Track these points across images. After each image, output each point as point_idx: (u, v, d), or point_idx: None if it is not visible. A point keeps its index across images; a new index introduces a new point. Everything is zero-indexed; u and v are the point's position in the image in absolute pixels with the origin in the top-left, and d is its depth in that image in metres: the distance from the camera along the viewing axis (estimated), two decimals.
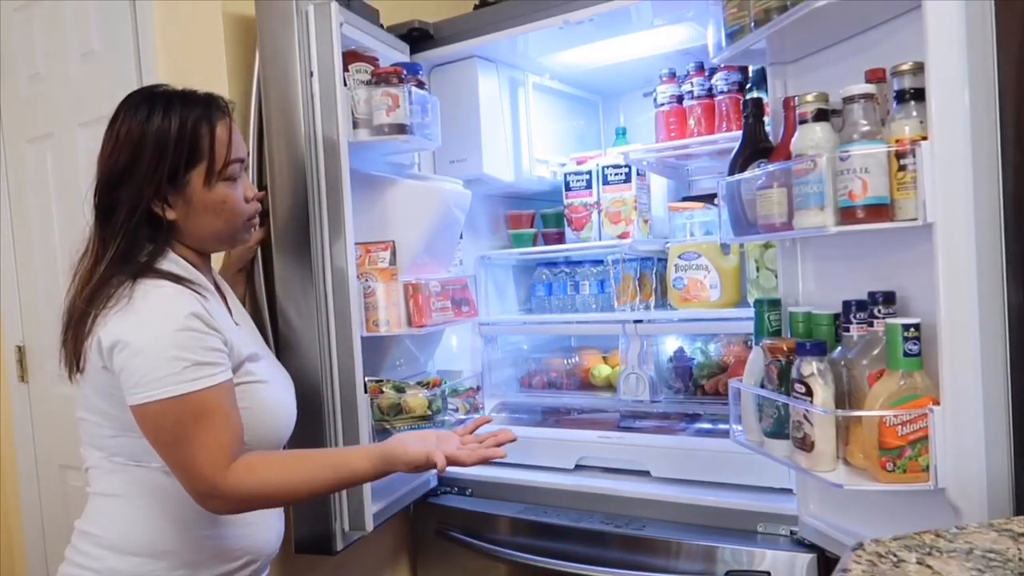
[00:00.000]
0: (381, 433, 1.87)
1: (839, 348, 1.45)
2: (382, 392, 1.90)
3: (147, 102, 1.37)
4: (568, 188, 2.44)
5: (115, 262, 1.34)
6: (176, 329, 1.27)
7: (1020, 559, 0.90)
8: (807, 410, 1.37)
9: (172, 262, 1.40)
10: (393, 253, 1.94)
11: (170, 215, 1.38)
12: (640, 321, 2.23)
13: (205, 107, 1.39)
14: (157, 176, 1.34)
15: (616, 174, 2.36)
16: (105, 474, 1.41)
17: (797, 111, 1.41)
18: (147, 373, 1.24)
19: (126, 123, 1.36)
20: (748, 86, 2.15)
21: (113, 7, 2.20)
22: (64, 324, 1.37)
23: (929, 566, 0.89)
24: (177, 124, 1.35)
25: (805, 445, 1.38)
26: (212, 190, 1.39)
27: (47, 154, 2.48)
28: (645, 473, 2.06)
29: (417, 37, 2.24)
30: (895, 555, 0.93)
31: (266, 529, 1.50)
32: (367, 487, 1.81)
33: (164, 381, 1.24)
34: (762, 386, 1.56)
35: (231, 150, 1.40)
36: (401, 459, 1.37)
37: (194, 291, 1.35)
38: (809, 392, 1.37)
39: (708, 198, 2.33)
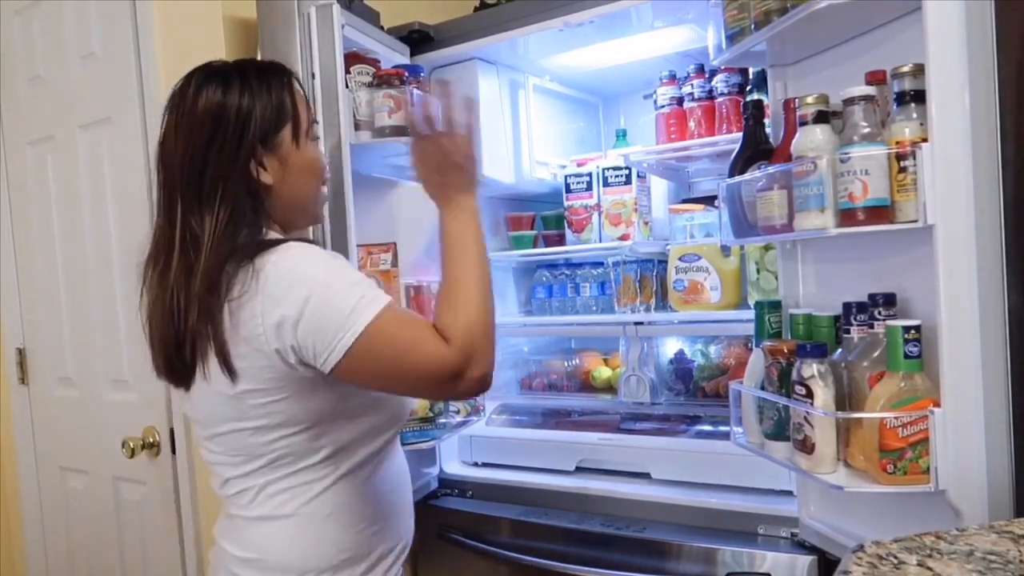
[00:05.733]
0: None
1: (839, 350, 1.45)
2: None
3: (216, 75, 1.29)
4: (568, 190, 2.44)
5: (222, 239, 1.22)
6: (332, 267, 1.20)
7: (1021, 561, 0.90)
8: (807, 412, 1.37)
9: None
10: (394, 255, 1.94)
11: (266, 178, 1.28)
12: (640, 323, 2.23)
13: (278, 69, 1.35)
14: (250, 138, 1.26)
15: (616, 176, 2.36)
16: (267, 495, 1.29)
17: (797, 113, 1.41)
18: (337, 315, 1.15)
19: (199, 98, 1.27)
20: (748, 88, 2.15)
21: (113, 9, 2.21)
22: (172, 325, 1.22)
23: (930, 568, 0.89)
24: (259, 86, 1.29)
25: (806, 447, 1.38)
26: (301, 149, 1.32)
27: (47, 156, 2.48)
28: (646, 475, 2.06)
29: (417, 39, 2.24)
30: (896, 557, 0.93)
31: (411, 510, 1.47)
32: None
33: (360, 306, 1.16)
34: (762, 388, 1.56)
35: (311, 109, 1.37)
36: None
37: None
38: (809, 394, 1.37)
39: (708, 200, 2.33)
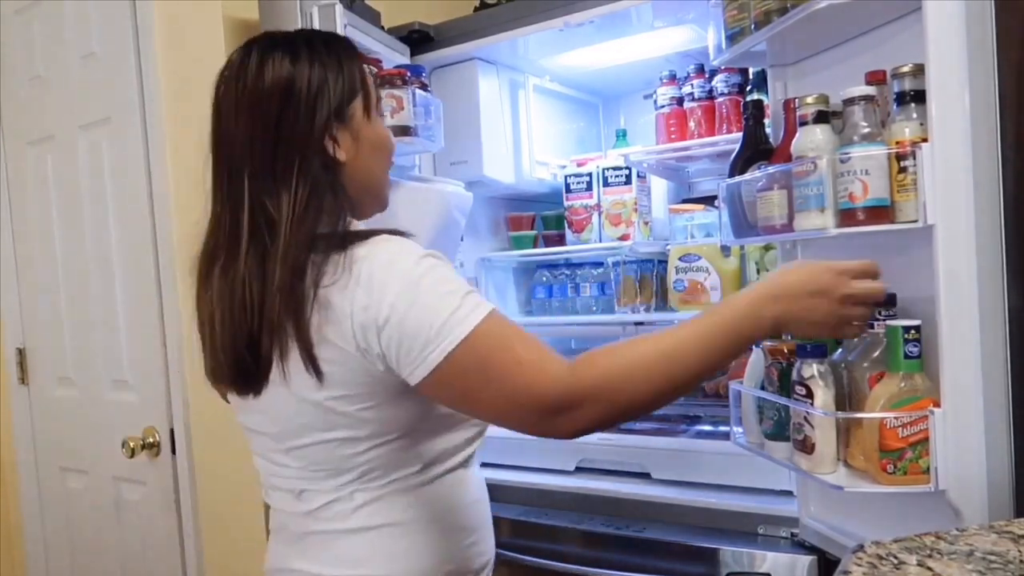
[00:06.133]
0: None
1: (839, 350, 1.45)
2: None
3: (281, 45, 1.16)
4: (568, 190, 2.44)
5: (303, 220, 1.09)
6: (427, 268, 1.06)
7: (1021, 561, 0.90)
8: (807, 412, 1.37)
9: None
10: None
11: (340, 155, 1.15)
12: (641, 323, 2.23)
13: (343, 40, 1.24)
14: (324, 110, 1.13)
15: (616, 176, 2.36)
16: (357, 504, 1.16)
17: (797, 113, 1.40)
18: (428, 327, 1.02)
19: (265, 70, 1.13)
20: (748, 88, 2.15)
21: (113, 9, 2.21)
22: (246, 321, 1.08)
23: (930, 568, 0.89)
24: (328, 56, 1.16)
25: (806, 447, 1.38)
26: (372, 124, 1.21)
27: (47, 156, 2.48)
28: (646, 475, 2.06)
29: (417, 39, 2.24)
30: (896, 557, 0.93)
31: (491, 523, 1.36)
32: None
33: (453, 320, 1.02)
34: (762, 388, 1.56)
35: (374, 83, 1.25)
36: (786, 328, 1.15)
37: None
38: (809, 394, 1.37)
39: (708, 200, 2.33)
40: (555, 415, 1.03)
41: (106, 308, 2.36)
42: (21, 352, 2.65)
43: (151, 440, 2.26)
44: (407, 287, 1.03)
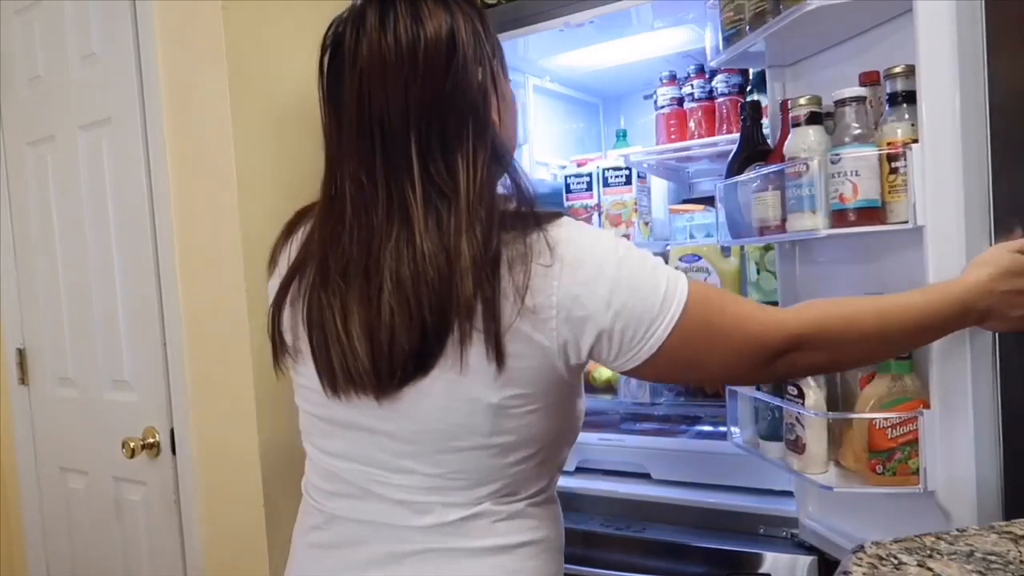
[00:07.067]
0: None
1: None
2: None
3: None
4: (568, 190, 2.44)
5: (487, 184, 0.98)
6: (625, 245, 1.00)
7: (1021, 561, 0.90)
8: (799, 412, 1.37)
9: None
10: None
11: (495, 116, 1.03)
12: None
13: None
14: (486, 64, 1.01)
15: (616, 176, 2.36)
16: (491, 521, 1.06)
17: (790, 114, 1.41)
18: (652, 304, 0.96)
19: (423, 17, 0.99)
20: (748, 89, 2.15)
21: (113, 9, 2.21)
22: (436, 298, 0.94)
23: (930, 568, 0.89)
24: (468, 7, 1.04)
25: (797, 447, 1.39)
26: (508, 84, 1.09)
27: (47, 157, 2.49)
28: (646, 475, 2.06)
29: None
30: (896, 558, 0.93)
31: None
32: None
33: (668, 293, 0.97)
34: (758, 389, 1.56)
35: None
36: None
37: None
38: (801, 395, 1.37)
39: (708, 200, 2.33)
40: (777, 358, 1.03)
41: (106, 308, 2.36)
42: (21, 352, 2.65)
43: (151, 440, 2.26)
44: (621, 271, 0.96)
